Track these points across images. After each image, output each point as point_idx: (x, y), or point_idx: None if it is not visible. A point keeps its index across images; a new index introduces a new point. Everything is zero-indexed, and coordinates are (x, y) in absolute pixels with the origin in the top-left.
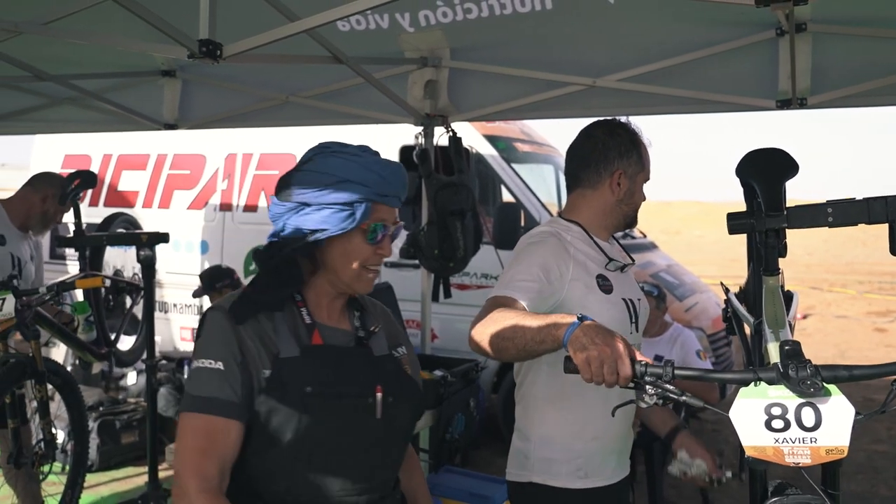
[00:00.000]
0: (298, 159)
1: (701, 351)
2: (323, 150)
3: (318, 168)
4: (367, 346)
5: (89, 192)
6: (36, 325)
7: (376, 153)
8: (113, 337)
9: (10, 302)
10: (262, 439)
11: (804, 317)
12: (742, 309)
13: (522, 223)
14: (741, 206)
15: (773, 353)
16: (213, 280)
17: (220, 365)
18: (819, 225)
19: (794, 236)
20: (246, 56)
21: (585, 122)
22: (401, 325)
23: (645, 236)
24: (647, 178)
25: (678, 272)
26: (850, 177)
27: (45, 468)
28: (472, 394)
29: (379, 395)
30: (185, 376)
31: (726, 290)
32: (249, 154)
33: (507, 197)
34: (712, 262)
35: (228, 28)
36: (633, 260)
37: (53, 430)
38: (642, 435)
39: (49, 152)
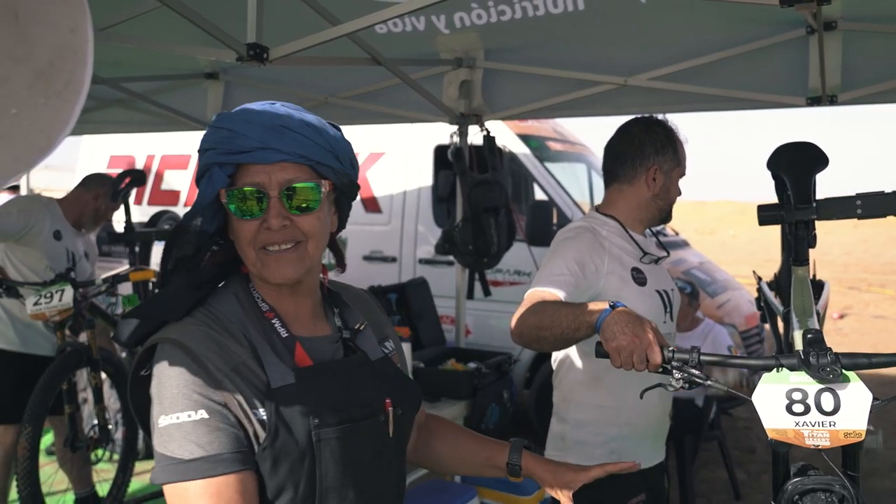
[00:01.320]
0: None
1: (732, 347)
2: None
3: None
4: (356, 349)
5: (135, 190)
6: (91, 316)
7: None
8: None
9: (69, 293)
10: (268, 494)
11: (841, 316)
12: (772, 298)
13: (555, 221)
14: None
15: (799, 341)
16: None
17: (202, 413)
18: (848, 216)
19: (832, 236)
20: (290, 59)
21: (617, 120)
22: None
23: (677, 234)
24: (682, 174)
25: (710, 269)
26: (882, 172)
27: (99, 452)
28: (505, 386)
29: (389, 409)
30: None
31: (758, 280)
32: None
33: (539, 195)
34: (746, 262)
35: (272, 32)
36: (668, 252)
37: (107, 416)
38: (673, 428)
39: (95, 153)
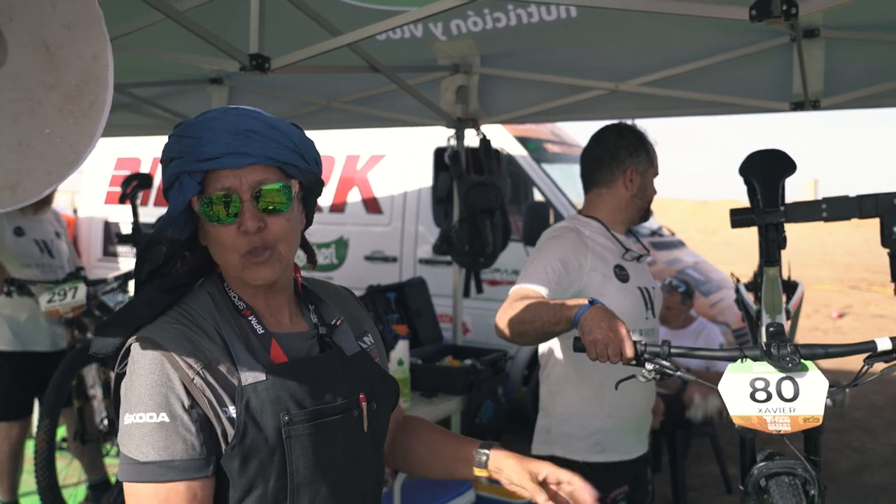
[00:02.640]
0: (335, 160)
1: (724, 345)
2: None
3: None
4: (333, 345)
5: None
6: (100, 313)
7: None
8: None
9: (81, 290)
10: (238, 491)
11: (840, 315)
12: (747, 297)
13: (551, 221)
14: None
15: (764, 334)
16: None
17: (163, 416)
18: (815, 219)
19: (835, 236)
20: (291, 68)
21: (608, 124)
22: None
23: (673, 234)
24: (656, 174)
25: (705, 269)
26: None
27: (107, 447)
28: (500, 382)
29: (364, 404)
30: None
31: (737, 281)
32: None
33: (537, 196)
34: (749, 262)
35: (274, 40)
36: (648, 251)
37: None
38: (665, 423)
39: (102, 155)
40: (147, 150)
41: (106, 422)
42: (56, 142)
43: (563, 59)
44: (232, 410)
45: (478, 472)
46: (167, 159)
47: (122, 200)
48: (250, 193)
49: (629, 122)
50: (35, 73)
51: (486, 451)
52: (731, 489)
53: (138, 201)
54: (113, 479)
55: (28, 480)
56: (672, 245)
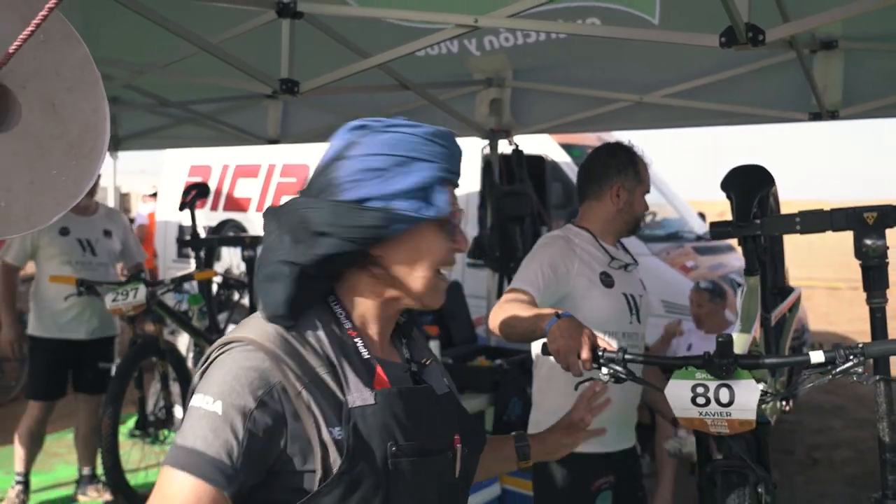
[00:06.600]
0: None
1: None
2: (366, 129)
3: (371, 150)
4: (424, 383)
5: (211, 198)
6: (160, 312)
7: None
8: (222, 326)
9: (142, 291)
10: None
11: None
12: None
13: None
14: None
15: (736, 345)
16: None
17: (217, 407)
18: (790, 232)
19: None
20: (320, 90)
21: (635, 133)
22: (469, 323)
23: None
24: (646, 191)
25: None
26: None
27: (165, 432)
28: (528, 381)
29: (458, 446)
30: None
31: (738, 287)
32: None
33: None
34: (828, 265)
35: (305, 62)
36: (635, 262)
37: (172, 400)
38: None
39: (177, 163)
40: (217, 158)
41: (164, 411)
42: (62, 180)
43: (589, 72)
44: (338, 431)
45: (523, 464)
46: (408, 158)
47: (181, 208)
48: (459, 213)
49: (626, 142)
50: (44, 128)
51: (525, 443)
52: None
53: (196, 209)
54: None
55: (41, 461)
56: (719, 250)
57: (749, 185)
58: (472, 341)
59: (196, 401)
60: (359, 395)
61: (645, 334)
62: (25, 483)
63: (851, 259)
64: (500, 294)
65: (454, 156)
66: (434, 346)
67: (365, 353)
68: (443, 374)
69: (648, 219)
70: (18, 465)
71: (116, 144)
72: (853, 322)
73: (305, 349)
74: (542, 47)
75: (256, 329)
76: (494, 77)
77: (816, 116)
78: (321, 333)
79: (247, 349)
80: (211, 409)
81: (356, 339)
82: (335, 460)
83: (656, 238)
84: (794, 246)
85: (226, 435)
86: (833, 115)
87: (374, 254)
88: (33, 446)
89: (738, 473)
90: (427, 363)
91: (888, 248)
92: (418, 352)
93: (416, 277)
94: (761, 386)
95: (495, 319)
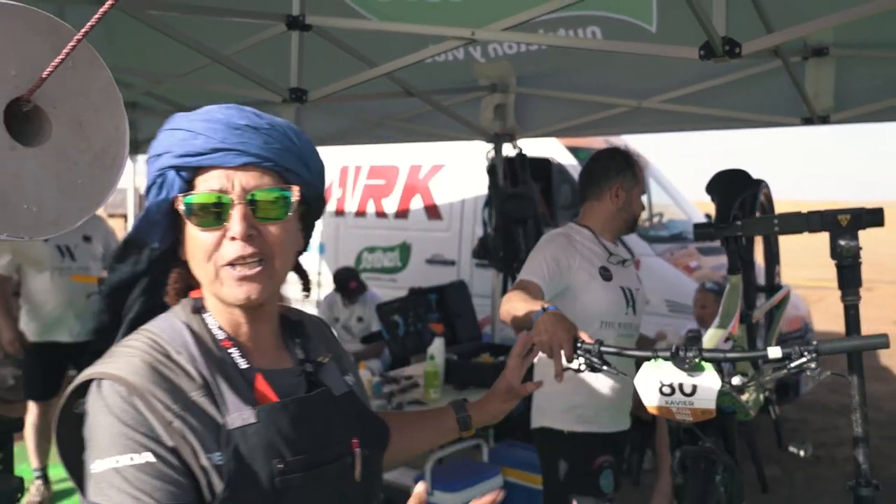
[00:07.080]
0: (400, 170)
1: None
2: None
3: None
4: (319, 384)
5: None
6: None
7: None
8: None
9: None
10: None
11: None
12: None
13: None
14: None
15: (711, 339)
16: (347, 280)
17: (148, 456)
18: (768, 233)
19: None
20: (328, 99)
21: (635, 137)
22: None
23: None
24: (642, 191)
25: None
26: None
27: None
28: (529, 376)
29: (357, 450)
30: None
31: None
32: (359, 166)
33: None
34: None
35: (315, 72)
36: (633, 257)
37: None
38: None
39: None
40: None
41: None
42: (86, 188)
43: (590, 78)
44: (218, 457)
45: (466, 433)
46: (155, 154)
47: None
48: (243, 197)
49: (623, 146)
50: (72, 144)
51: (466, 413)
52: (767, 488)
53: None
54: None
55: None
56: (722, 251)
57: (730, 189)
58: (477, 339)
59: (94, 468)
60: (238, 414)
61: (640, 325)
62: (44, 477)
63: (866, 263)
64: (504, 293)
65: (203, 134)
66: (439, 342)
67: (242, 364)
68: (346, 370)
69: (655, 220)
70: (34, 461)
71: (136, 148)
72: (863, 323)
73: (176, 374)
74: (544, 55)
75: (121, 363)
76: (499, 83)
77: (808, 121)
78: (194, 351)
79: (115, 388)
80: (140, 462)
81: (230, 350)
82: (218, 487)
83: (660, 239)
84: (809, 248)
85: (131, 490)
86: (824, 120)
87: (184, 258)
88: (42, 441)
89: (707, 459)
90: (324, 361)
91: (861, 248)
92: (315, 350)
93: (201, 275)
94: (735, 379)
95: (503, 310)
